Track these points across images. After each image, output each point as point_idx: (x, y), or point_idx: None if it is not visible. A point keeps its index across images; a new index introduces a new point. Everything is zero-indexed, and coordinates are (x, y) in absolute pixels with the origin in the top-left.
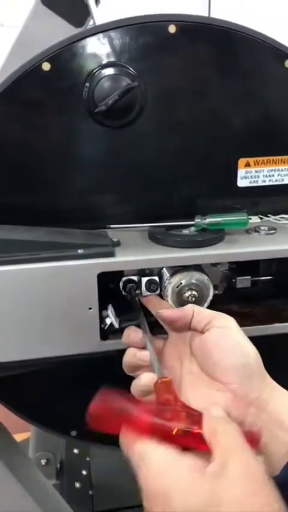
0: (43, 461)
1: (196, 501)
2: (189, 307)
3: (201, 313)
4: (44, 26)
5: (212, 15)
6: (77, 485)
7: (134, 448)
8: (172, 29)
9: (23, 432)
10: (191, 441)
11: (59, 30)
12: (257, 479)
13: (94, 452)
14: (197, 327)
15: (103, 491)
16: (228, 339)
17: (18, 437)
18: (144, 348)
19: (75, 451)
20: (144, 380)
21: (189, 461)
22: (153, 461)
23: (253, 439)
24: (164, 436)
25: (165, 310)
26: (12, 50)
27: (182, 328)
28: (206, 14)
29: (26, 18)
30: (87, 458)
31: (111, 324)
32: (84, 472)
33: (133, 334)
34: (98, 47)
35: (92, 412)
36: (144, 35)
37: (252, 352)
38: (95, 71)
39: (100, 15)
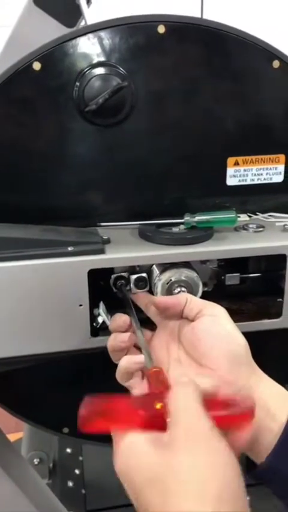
0: (36, 461)
1: (148, 474)
2: (183, 295)
3: (193, 302)
4: (35, 26)
5: (205, 16)
6: (70, 484)
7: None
8: (161, 29)
9: (16, 432)
10: None
11: (51, 30)
12: (202, 445)
13: (87, 452)
14: (188, 315)
15: (96, 490)
16: (218, 326)
17: (11, 437)
18: (126, 331)
19: (68, 450)
20: (122, 363)
21: (152, 437)
22: (124, 444)
23: (245, 414)
24: (152, 422)
25: (159, 297)
26: (4, 49)
27: (174, 316)
28: (198, 15)
29: (18, 18)
30: (80, 458)
31: (103, 322)
32: (77, 471)
33: (117, 317)
34: (88, 47)
35: (82, 417)
36: (134, 35)
37: (241, 341)
38: (85, 70)
39: (92, 15)
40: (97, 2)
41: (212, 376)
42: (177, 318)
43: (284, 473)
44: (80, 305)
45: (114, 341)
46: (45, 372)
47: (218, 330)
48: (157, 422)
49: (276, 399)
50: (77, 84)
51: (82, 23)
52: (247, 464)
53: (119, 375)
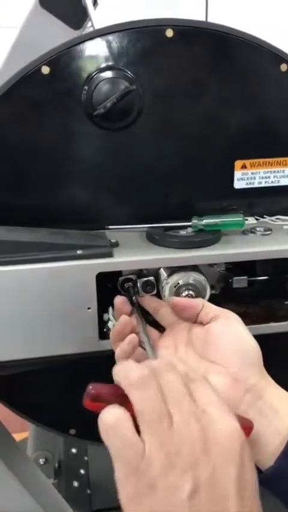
0: (41, 461)
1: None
2: (200, 300)
3: (209, 307)
4: (42, 28)
5: (209, 19)
6: (75, 484)
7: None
8: (169, 33)
9: (21, 432)
10: None
11: (58, 32)
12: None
13: (92, 452)
14: (203, 319)
15: (101, 490)
16: (232, 329)
17: (16, 437)
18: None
19: (73, 450)
20: (122, 319)
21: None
22: None
23: (245, 427)
24: None
25: (177, 298)
26: (12, 51)
27: (188, 318)
28: (203, 19)
29: (25, 20)
30: (85, 458)
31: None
32: (82, 471)
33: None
34: (96, 51)
35: (91, 391)
36: (142, 39)
37: (254, 344)
38: (93, 74)
39: (98, 17)
40: (103, 4)
41: (223, 374)
42: (191, 320)
43: None
44: (89, 308)
45: (119, 325)
46: (53, 374)
47: (232, 332)
48: None
49: (284, 402)
50: (85, 87)
51: (89, 25)
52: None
53: (113, 333)
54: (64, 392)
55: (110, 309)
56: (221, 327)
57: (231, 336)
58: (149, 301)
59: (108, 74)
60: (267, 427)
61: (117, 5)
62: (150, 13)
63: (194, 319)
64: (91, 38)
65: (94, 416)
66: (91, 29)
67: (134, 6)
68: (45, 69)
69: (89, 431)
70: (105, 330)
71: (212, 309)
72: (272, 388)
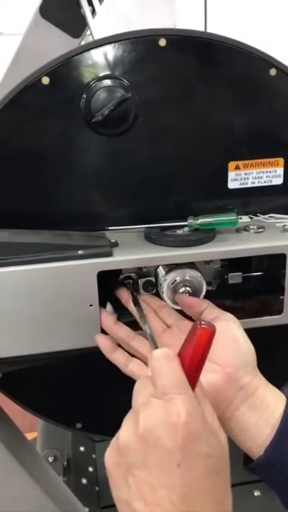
0: (50, 459)
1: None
2: (205, 301)
3: (213, 308)
4: (43, 37)
5: (209, 24)
6: (84, 481)
7: None
8: (162, 42)
9: (30, 432)
10: None
11: (58, 40)
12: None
13: (100, 450)
14: (206, 317)
15: (109, 487)
16: (231, 332)
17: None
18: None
19: (82, 448)
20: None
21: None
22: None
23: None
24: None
25: (185, 296)
26: (14, 59)
27: (194, 314)
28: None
29: (26, 29)
30: (93, 456)
31: None
32: (90, 469)
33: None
34: (93, 61)
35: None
36: (136, 48)
37: (250, 347)
38: (91, 83)
39: (97, 25)
40: (102, 12)
41: (219, 373)
42: (195, 317)
43: (284, 464)
44: (90, 305)
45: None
46: (58, 369)
47: (230, 335)
48: None
49: (275, 398)
50: (84, 96)
51: (88, 33)
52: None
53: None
54: (69, 387)
55: (108, 303)
56: (221, 328)
57: (230, 337)
58: (150, 301)
59: (105, 83)
60: (257, 419)
61: (115, 13)
62: (149, 22)
63: (198, 317)
64: (88, 49)
65: (99, 410)
66: (90, 37)
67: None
68: (45, 80)
69: (95, 425)
70: None
71: (214, 310)
72: (263, 386)
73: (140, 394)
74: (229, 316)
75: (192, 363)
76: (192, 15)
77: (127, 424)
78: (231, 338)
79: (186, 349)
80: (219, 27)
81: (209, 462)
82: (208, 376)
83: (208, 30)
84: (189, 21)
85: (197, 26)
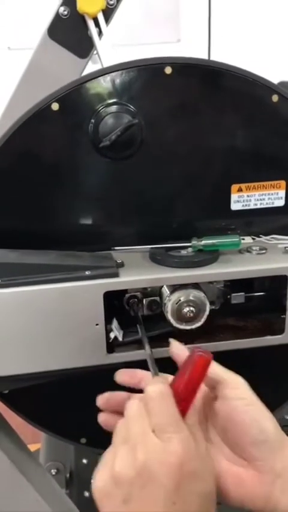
0: (53, 471)
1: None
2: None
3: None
4: (51, 56)
5: (213, 39)
6: (86, 494)
7: None
8: (168, 70)
9: (33, 444)
10: None
11: (66, 60)
12: None
13: None
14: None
15: None
16: (242, 414)
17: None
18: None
19: (84, 461)
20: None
21: None
22: None
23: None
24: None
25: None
26: (24, 77)
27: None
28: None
29: (35, 49)
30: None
31: (115, 337)
32: (93, 481)
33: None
34: (101, 88)
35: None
36: (143, 76)
37: (269, 425)
38: (99, 109)
39: (103, 46)
40: (108, 34)
41: (247, 468)
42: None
43: None
44: (97, 324)
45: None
46: (64, 386)
47: (243, 420)
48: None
49: None
50: (92, 121)
51: (94, 53)
52: None
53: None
54: (75, 403)
55: (114, 320)
56: (229, 412)
57: (244, 424)
58: (177, 349)
59: (112, 109)
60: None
61: (122, 35)
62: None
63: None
64: (96, 77)
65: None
66: (97, 56)
67: (137, 37)
68: (55, 106)
69: (100, 440)
70: (107, 339)
71: (216, 371)
72: None
73: (136, 422)
74: (233, 388)
75: (187, 390)
76: (196, 31)
77: (123, 455)
78: (246, 424)
79: (180, 378)
80: (223, 43)
81: (203, 500)
82: (239, 473)
83: (212, 45)
84: (193, 36)
85: (201, 41)
